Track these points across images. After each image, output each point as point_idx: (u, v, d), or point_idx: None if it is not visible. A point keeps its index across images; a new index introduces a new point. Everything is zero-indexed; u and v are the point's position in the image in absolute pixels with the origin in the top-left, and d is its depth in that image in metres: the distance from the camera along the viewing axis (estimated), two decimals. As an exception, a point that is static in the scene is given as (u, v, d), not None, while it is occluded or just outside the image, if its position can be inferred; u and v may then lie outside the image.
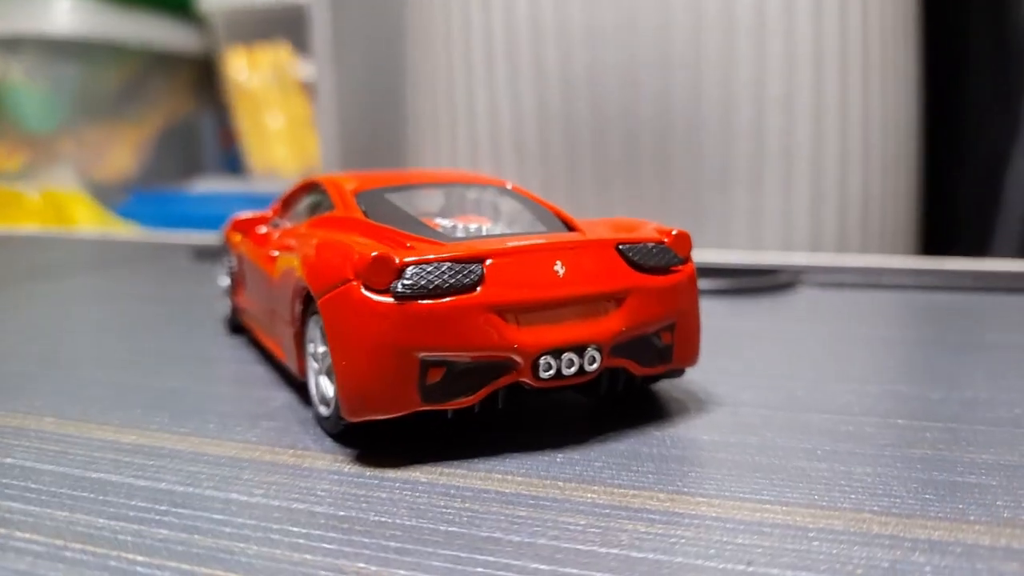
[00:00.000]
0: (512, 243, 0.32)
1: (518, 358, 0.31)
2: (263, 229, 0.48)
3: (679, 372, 0.36)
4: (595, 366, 0.32)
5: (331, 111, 1.02)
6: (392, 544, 0.25)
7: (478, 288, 0.30)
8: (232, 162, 1.59)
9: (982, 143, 0.85)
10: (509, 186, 0.43)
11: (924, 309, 0.60)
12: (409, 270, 0.30)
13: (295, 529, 0.26)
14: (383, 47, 0.99)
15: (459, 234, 0.36)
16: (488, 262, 0.31)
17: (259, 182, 1.47)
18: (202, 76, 1.59)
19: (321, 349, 0.34)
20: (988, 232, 0.83)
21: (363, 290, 0.30)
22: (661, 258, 0.34)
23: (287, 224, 0.47)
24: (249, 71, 1.48)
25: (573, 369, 0.32)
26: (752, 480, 0.30)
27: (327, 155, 1.05)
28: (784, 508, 0.27)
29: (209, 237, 1.01)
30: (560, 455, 0.32)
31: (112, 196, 1.44)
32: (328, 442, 0.33)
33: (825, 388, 0.40)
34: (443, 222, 0.38)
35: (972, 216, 0.86)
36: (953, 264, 0.74)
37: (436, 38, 0.89)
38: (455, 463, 0.31)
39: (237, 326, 0.52)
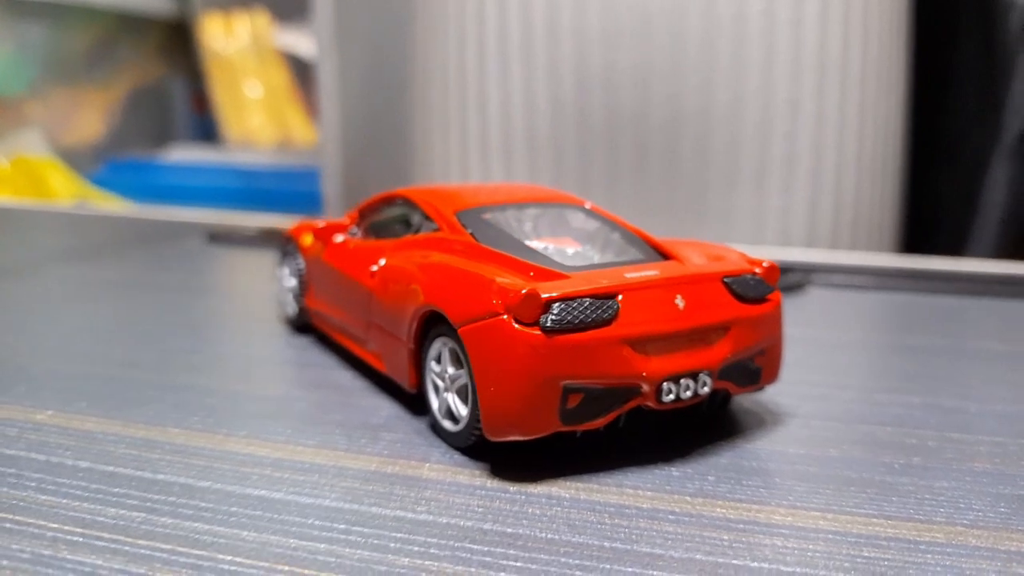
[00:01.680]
0: (636, 276, 0.36)
1: (645, 385, 0.34)
2: (341, 238, 0.50)
3: (761, 388, 0.40)
4: (706, 389, 0.36)
5: (332, 93, 1.02)
6: (572, 561, 0.28)
7: (615, 321, 0.34)
8: (205, 129, 1.57)
9: (965, 149, 0.91)
10: (588, 206, 0.46)
11: (931, 313, 0.65)
12: (555, 306, 0.33)
13: (475, 547, 0.29)
14: (388, 30, 0.99)
15: (570, 262, 0.38)
16: (620, 297, 0.34)
17: (236, 152, 1.46)
18: (173, 40, 1.56)
19: (451, 370, 0.36)
20: (966, 233, 0.90)
21: (514, 324, 0.33)
22: (758, 290, 0.38)
23: (362, 235, 0.49)
24: (225, 38, 1.46)
25: (689, 393, 0.35)
26: (851, 494, 0.34)
27: (327, 138, 1.06)
28: (890, 522, 0.32)
29: (217, 216, 1.02)
30: (674, 470, 0.35)
31: (82, 163, 1.41)
32: (456, 455, 0.36)
33: (874, 399, 0.45)
34: (538, 245, 0.41)
35: (952, 217, 0.92)
36: (952, 265, 0.80)
37: (448, 28, 0.90)
38: (584, 478, 0.34)
39: (304, 326, 0.54)
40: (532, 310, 0.33)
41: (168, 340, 0.53)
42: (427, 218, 0.44)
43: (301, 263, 0.53)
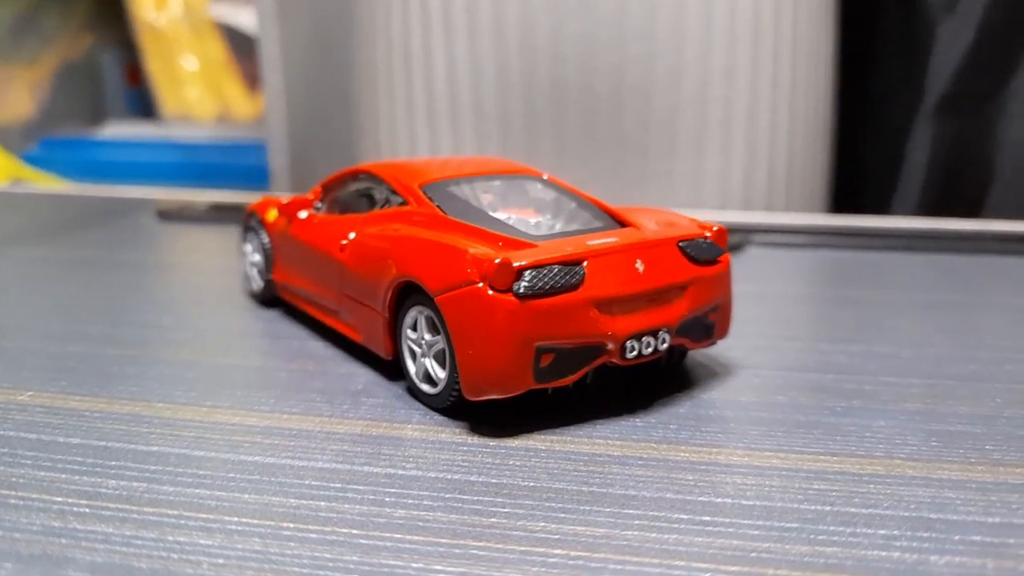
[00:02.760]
0: (598, 243, 0.38)
1: (610, 343, 0.37)
2: (305, 214, 0.51)
3: (714, 343, 0.43)
4: (666, 345, 0.39)
5: (276, 64, 1.02)
6: (555, 505, 0.31)
7: (581, 286, 0.36)
8: (140, 103, 1.54)
9: (889, 113, 0.95)
10: (545, 176, 0.48)
11: (864, 268, 0.69)
12: (527, 273, 0.35)
13: (465, 497, 0.32)
14: None
15: (534, 231, 0.41)
16: (585, 263, 0.37)
17: (174, 127, 1.44)
18: (102, 11, 1.52)
19: (428, 337, 0.38)
20: (891, 193, 0.94)
21: (489, 291, 0.35)
22: (710, 252, 0.41)
23: (327, 210, 0.51)
24: (157, 10, 1.43)
25: (650, 349, 0.38)
26: (800, 435, 0.37)
27: (272, 108, 1.05)
28: (836, 458, 0.35)
29: (164, 193, 1.01)
30: (639, 421, 0.38)
31: (14, 142, 1.37)
32: (436, 416, 0.39)
33: (818, 348, 0.48)
34: (502, 216, 0.43)
35: (877, 179, 0.97)
36: (881, 222, 0.84)
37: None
38: (557, 431, 0.37)
39: (270, 300, 0.55)
40: (505, 278, 0.35)
41: (140, 316, 0.53)
42: (393, 192, 0.45)
43: (265, 238, 0.54)
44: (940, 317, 0.55)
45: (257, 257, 0.55)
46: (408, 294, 0.40)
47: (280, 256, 0.53)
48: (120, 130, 1.43)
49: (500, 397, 0.36)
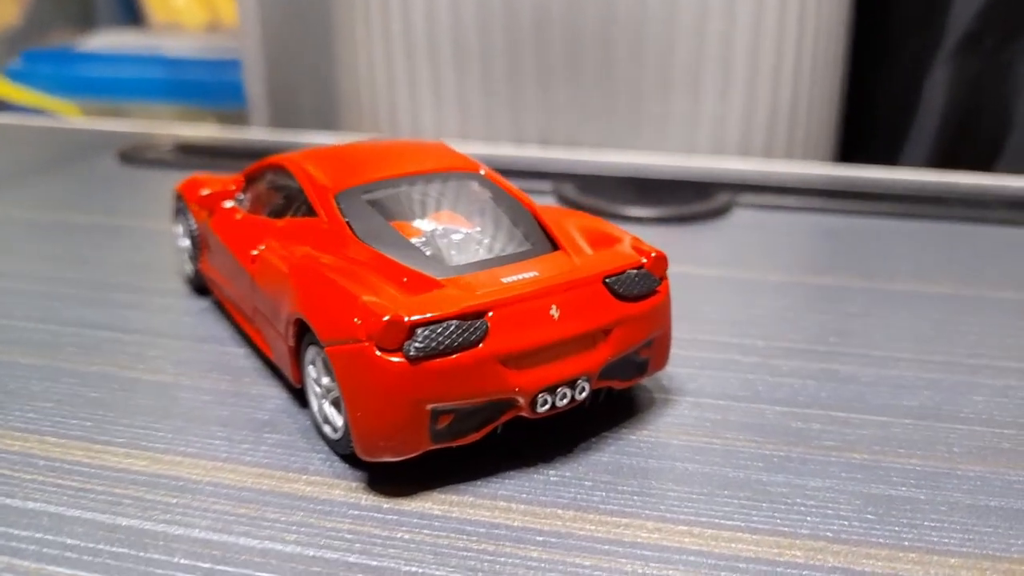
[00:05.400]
0: (511, 282, 0.34)
1: (519, 399, 0.34)
2: (229, 204, 0.48)
3: (648, 376, 0.40)
4: (584, 394, 0.35)
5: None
6: (429, 604, 0.29)
7: (483, 341, 0.33)
8: (128, 8, 1.48)
9: (904, 52, 0.87)
10: (483, 172, 0.44)
11: (859, 242, 0.64)
12: (420, 331, 0.32)
13: (337, 587, 0.29)
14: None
15: (450, 259, 0.37)
16: (490, 314, 0.33)
17: (163, 37, 1.38)
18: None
19: (325, 380, 0.35)
20: (901, 141, 0.88)
21: (376, 351, 0.32)
22: (643, 285, 0.37)
23: (249, 204, 0.47)
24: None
25: (565, 401, 0.35)
26: (723, 500, 0.34)
27: (245, 17, 1.00)
28: (754, 537, 0.32)
29: (130, 124, 0.97)
30: (553, 473, 0.36)
31: (-1, 55, 1.33)
32: (336, 464, 0.36)
33: (773, 367, 0.45)
34: (424, 227, 0.39)
35: (887, 124, 0.90)
36: (888, 174, 0.78)
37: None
38: (460, 488, 0.34)
39: (201, 288, 0.52)
40: (395, 336, 0.32)
41: (64, 309, 0.51)
42: (306, 199, 0.41)
43: (193, 224, 0.51)
44: (922, 315, 0.51)
45: (186, 242, 0.52)
46: (307, 329, 0.36)
47: (206, 247, 0.49)
48: (107, 40, 1.37)
49: (395, 459, 0.33)
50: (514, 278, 0.35)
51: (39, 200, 0.73)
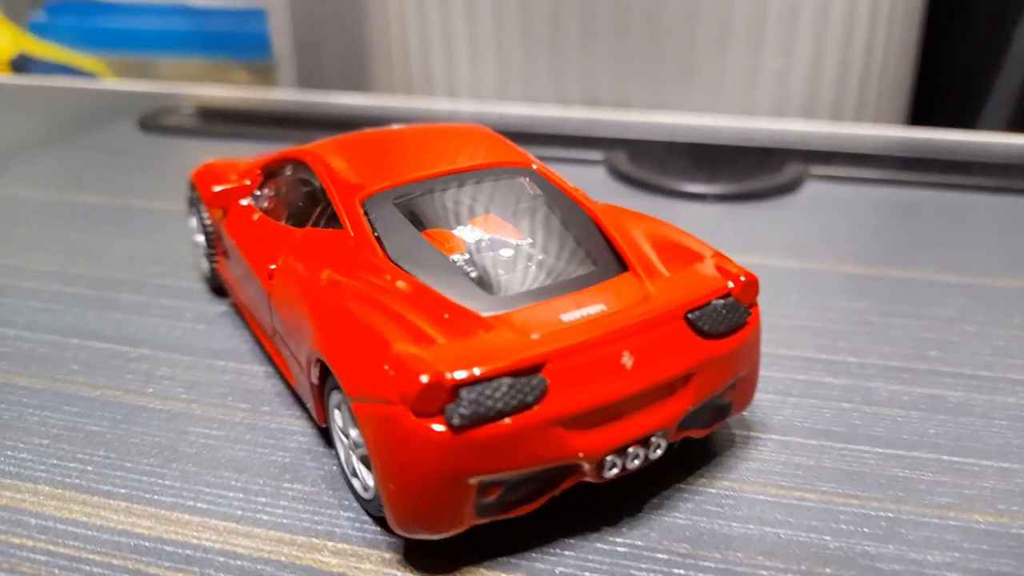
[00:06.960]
0: (573, 321, 0.28)
1: (583, 464, 0.28)
2: (245, 202, 0.42)
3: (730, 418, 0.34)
4: (660, 452, 0.30)
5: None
6: None
7: (540, 403, 0.27)
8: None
9: (987, 1, 0.78)
10: (535, 167, 0.38)
11: (943, 219, 0.57)
12: (465, 393, 0.26)
13: None
14: None
15: (499, 286, 0.31)
16: (549, 366, 0.27)
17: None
18: None
19: (353, 433, 0.30)
20: (980, 101, 0.79)
21: (412, 415, 0.26)
22: (731, 319, 0.31)
23: (267, 203, 0.42)
24: None
25: (638, 462, 0.29)
26: (826, 582, 0.29)
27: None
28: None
29: (153, 85, 0.91)
30: (620, 540, 0.30)
31: (20, 8, 1.27)
32: (367, 525, 0.31)
33: (868, 390, 0.39)
34: (464, 234, 0.34)
35: (965, 82, 0.81)
36: (971, 137, 0.70)
37: None
38: (512, 562, 0.29)
39: (219, 288, 0.47)
40: (435, 400, 0.26)
41: (66, 313, 0.46)
42: (330, 203, 0.36)
43: (207, 218, 0.45)
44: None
45: (200, 238, 0.47)
46: (329, 371, 0.31)
47: (221, 248, 0.44)
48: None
49: (435, 537, 0.28)
50: (577, 314, 0.29)
51: (48, 175, 0.68)
